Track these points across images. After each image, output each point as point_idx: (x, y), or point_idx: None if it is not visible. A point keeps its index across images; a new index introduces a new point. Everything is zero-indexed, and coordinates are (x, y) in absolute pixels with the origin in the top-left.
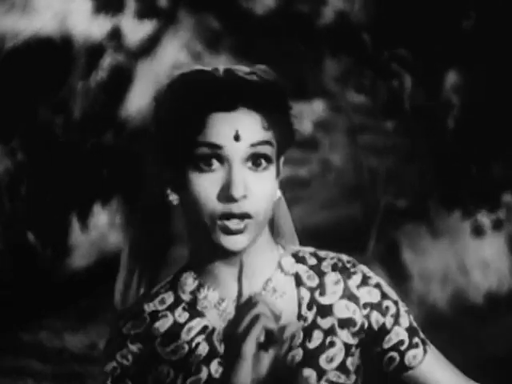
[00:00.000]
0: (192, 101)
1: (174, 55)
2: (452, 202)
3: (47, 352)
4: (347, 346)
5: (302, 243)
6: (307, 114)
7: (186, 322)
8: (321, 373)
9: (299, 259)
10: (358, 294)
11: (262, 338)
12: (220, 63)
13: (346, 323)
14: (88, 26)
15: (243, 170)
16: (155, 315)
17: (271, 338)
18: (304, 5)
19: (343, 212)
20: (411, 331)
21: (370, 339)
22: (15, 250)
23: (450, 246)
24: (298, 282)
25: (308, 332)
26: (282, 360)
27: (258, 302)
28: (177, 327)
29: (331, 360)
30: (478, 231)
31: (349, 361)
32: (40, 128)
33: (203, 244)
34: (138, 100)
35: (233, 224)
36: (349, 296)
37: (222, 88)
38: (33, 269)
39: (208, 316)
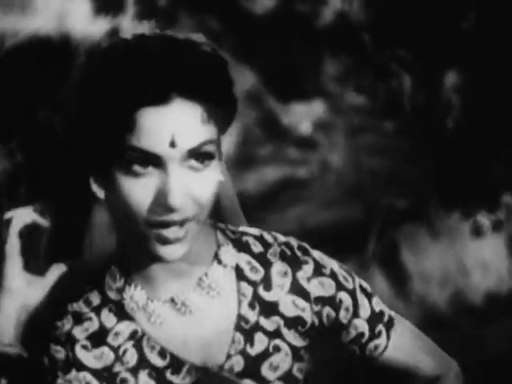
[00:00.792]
0: (118, 91)
1: None
2: (452, 202)
3: None
4: (295, 350)
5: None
6: (307, 115)
7: (113, 326)
8: None
9: (242, 247)
10: (308, 288)
11: None
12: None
13: (293, 323)
14: (87, 26)
15: (182, 172)
16: (79, 317)
17: None
18: (304, 5)
19: (343, 213)
20: (372, 320)
21: (324, 338)
22: None
23: (450, 247)
24: (239, 275)
25: (249, 335)
26: (218, 372)
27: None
28: (103, 331)
29: (275, 368)
30: (477, 232)
31: (296, 367)
32: (39, 129)
33: (134, 248)
34: None
35: (171, 233)
36: (297, 290)
37: (152, 76)
38: None
39: (137, 319)
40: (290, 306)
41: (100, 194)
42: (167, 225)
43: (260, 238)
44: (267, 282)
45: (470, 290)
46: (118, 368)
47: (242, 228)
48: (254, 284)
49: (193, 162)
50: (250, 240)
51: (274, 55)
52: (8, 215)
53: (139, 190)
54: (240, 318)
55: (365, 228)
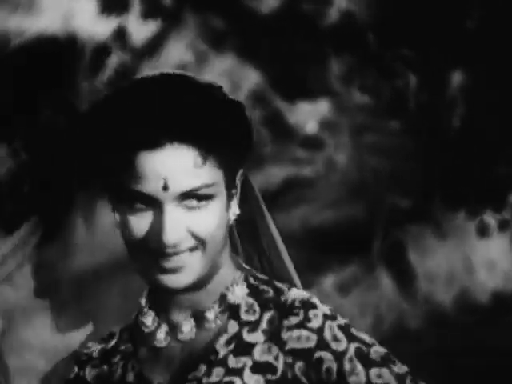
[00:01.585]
0: (115, 137)
1: (179, 55)
2: (457, 202)
3: None
4: None
5: (307, 243)
6: (313, 114)
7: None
8: None
9: (253, 291)
10: (285, 337)
11: None
12: (225, 63)
13: (261, 368)
14: (93, 25)
15: (177, 210)
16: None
17: None
18: (309, 4)
19: (348, 212)
20: None
21: None
22: None
23: (456, 246)
24: (233, 314)
25: (210, 367)
26: None
27: None
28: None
29: None
30: (483, 231)
31: None
32: (44, 128)
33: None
34: None
35: (170, 263)
36: (276, 338)
37: (146, 122)
38: None
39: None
40: (265, 351)
41: (116, 219)
42: (166, 255)
43: (277, 289)
44: (256, 325)
45: (476, 289)
46: None
47: (280, 284)
48: (241, 324)
49: (188, 202)
50: (265, 287)
51: (279, 54)
52: None
53: (137, 221)
54: (212, 351)
55: (370, 228)
